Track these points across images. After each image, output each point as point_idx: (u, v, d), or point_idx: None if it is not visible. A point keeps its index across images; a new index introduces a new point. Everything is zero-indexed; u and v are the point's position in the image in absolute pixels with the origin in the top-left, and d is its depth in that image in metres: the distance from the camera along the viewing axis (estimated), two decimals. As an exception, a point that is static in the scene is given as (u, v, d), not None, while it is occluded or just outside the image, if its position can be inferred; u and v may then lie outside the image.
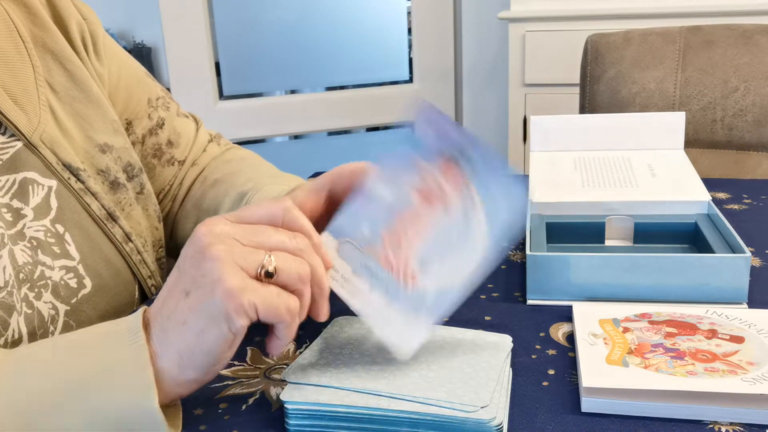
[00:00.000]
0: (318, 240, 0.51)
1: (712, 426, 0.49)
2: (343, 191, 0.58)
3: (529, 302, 0.69)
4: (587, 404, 0.51)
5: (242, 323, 0.46)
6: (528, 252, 0.69)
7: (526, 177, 0.91)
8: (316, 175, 1.15)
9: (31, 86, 0.68)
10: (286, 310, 0.47)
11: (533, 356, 0.59)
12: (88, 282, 0.68)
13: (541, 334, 0.62)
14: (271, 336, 0.49)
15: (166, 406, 0.47)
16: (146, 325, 0.48)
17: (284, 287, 0.48)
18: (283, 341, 0.49)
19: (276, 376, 0.58)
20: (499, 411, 0.48)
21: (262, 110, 2.41)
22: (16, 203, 0.64)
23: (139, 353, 0.46)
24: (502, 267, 0.77)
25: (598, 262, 0.67)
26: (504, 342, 0.57)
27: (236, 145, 0.93)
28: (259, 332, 0.64)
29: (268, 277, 0.47)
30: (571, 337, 0.61)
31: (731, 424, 0.49)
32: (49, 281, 0.65)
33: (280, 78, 2.47)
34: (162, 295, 0.49)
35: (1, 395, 0.46)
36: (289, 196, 0.60)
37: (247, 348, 0.62)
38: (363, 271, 0.53)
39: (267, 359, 0.60)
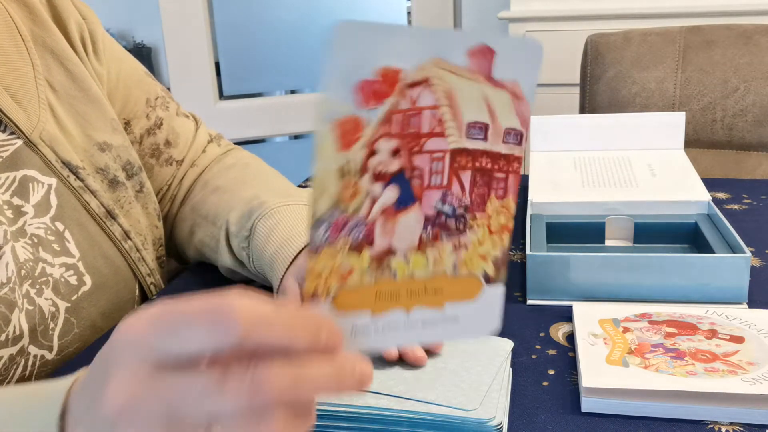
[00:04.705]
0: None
1: (712, 426, 0.49)
2: None
3: (529, 302, 0.69)
4: (587, 404, 0.51)
5: None
6: (528, 252, 0.69)
7: (526, 177, 0.91)
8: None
9: (31, 85, 0.68)
10: None
11: (533, 356, 0.59)
12: (88, 279, 0.68)
13: (541, 334, 0.62)
14: None
15: None
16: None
17: None
18: None
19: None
20: (498, 411, 0.48)
21: (262, 110, 2.41)
22: (16, 200, 0.64)
23: None
24: (502, 267, 0.77)
25: (598, 262, 0.67)
26: (503, 346, 0.57)
27: (237, 146, 0.92)
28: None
29: None
30: (571, 337, 0.61)
31: (731, 424, 0.49)
32: (50, 278, 0.65)
33: (280, 78, 2.47)
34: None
35: None
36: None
37: (247, 348, 0.62)
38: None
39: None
